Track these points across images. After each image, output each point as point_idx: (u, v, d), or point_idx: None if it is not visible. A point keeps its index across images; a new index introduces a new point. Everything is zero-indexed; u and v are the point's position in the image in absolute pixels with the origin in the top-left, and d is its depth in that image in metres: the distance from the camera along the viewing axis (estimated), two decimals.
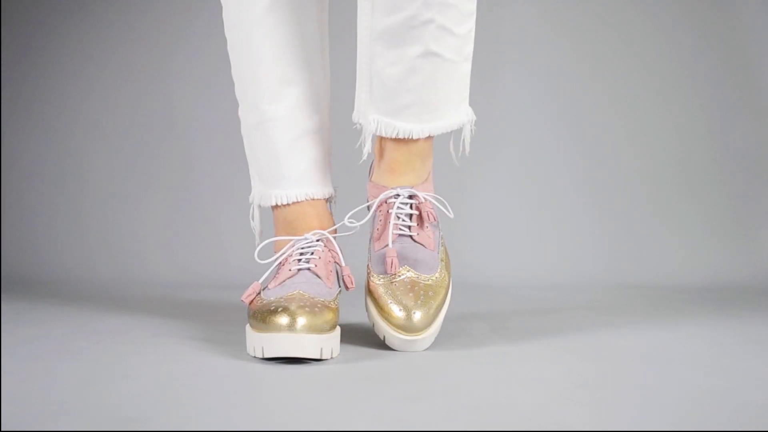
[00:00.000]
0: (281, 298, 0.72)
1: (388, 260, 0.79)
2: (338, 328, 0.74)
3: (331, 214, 0.89)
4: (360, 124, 0.84)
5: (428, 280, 0.80)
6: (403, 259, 0.81)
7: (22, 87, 1.83)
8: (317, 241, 0.81)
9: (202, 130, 1.78)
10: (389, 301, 0.77)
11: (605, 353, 0.77)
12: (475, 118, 0.88)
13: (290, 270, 0.77)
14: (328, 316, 0.71)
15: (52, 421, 0.49)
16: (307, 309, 0.69)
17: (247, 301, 0.76)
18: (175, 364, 0.69)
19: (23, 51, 1.84)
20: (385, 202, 0.83)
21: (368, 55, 0.82)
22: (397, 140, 0.83)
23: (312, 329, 0.68)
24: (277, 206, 0.86)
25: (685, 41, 1.76)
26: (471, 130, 0.89)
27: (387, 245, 0.81)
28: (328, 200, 0.90)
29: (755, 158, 1.72)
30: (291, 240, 0.81)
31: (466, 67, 0.86)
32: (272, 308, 0.70)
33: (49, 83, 1.83)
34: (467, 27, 0.84)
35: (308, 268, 0.78)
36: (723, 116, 1.73)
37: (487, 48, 1.87)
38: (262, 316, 0.70)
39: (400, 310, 0.76)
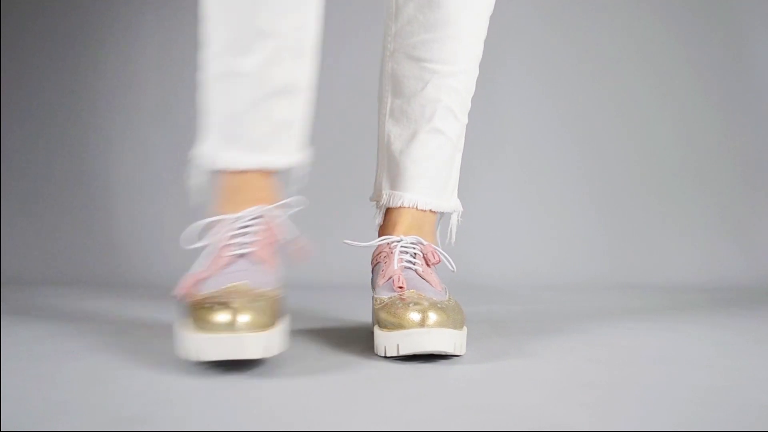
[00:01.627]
0: (217, 291, 0.65)
1: (396, 277, 0.77)
2: (285, 318, 0.70)
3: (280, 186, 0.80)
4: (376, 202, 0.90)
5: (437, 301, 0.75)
6: (410, 286, 0.77)
7: (22, 87, 1.83)
8: (255, 219, 0.71)
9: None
10: (401, 307, 0.71)
11: (605, 353, 0.77)
12: (462, 210, 0.93)
13: (224, 257, 0.69)
14: (273, 308, 0.65)
15: (52, 421, 0.49)
16: (247, 303, 0.62)
17: (180, 296, 0.67)
18: (175, 364, 0.69)
19: (23, 51, 1.84)
20: (388, 245, 0.83)
21: (385, 135, 0.89)
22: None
23: (255, 326, 0.62)
24: (222, 172, 0.74)
25: (685, 42, 1.76)
26: (458, 221, 0.94)
27: (393, 268, 0.80)
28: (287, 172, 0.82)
29: (755, 159, 1.72)
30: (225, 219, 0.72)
31: (459, 159, 0.92)
32: (207, 305, 0.62)
33: (49, 83, 1.83)
34: (465, 119, 0.91)
35: (244, 254, 0.70)
36: (723, 116, 1.73)
37: (488, 48, 1.87)
38: (199, 314, 0.62)
39: (417, 311, 0.70)
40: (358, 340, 0.83)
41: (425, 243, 0.84)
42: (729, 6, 1.75)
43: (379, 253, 0.84)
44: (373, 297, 0.81)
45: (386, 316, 0.71)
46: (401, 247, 0.81)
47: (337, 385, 0.61)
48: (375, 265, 0.85)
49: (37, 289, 1.42)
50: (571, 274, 1.60)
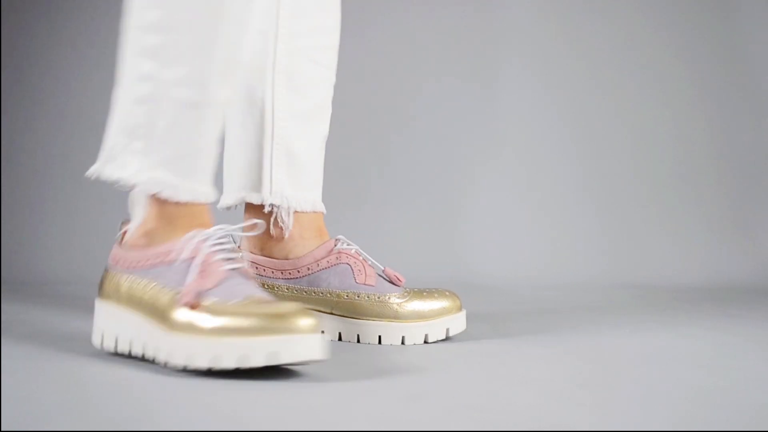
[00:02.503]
0: (245, 300, 0.64)
1: (393, 274, 0.85)
2: None
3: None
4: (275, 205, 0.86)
5: None
6: None
7: (22, 87, 1.83)
8: (222, 237, 0.70)
9: None
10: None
11: (605, 353, 0.77)
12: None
13: (219, 271, 0.66)
14: None
15: (52, 421, 0.49)
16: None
17: (191, 304, 0.64)
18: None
19: (23, 51, 1.84)
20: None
21: (284, 135, 0.88)
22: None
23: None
24: (167, 201, 0.71)
25: (684, 42, 1.76)
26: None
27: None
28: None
29: (755, 158, 1.72)
30: (188, 235, 0.68)
31: None
32: (283, 309, 0.62)
33: (49, 83, 1.82)
34: None
35: (236, 268, 0.68)
36: (723, 116, 1.73)
37: (488, 48, 1.87)
38: (276, 317, 0.61)
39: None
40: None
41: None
42: (729, 8, 1.75)
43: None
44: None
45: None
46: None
47: (337, 385, 0.61)
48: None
49: (37, 289, 1.42)
50: (571, 274, 1.60)
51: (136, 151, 0.70)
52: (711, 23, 1.75)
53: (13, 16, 1.84)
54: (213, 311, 0.63)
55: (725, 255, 1.63)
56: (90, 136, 1.82)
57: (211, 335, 0.62)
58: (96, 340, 0.72)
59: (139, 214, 0.70)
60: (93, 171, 0.73)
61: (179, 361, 0.63)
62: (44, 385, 0.59)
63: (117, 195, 1.85)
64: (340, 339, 0.83)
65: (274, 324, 0.61)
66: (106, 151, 0.73)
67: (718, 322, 1.01)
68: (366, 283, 0.82)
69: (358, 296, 0.82)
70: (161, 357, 0.65)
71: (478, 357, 0.75)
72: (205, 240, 0.67)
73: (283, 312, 0.61)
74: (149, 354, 0.66)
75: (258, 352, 0.60)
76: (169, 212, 0.71)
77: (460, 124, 1.75)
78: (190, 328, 0.63)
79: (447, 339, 0.84)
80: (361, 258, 0.84)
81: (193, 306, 0.63)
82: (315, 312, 0.68)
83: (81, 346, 0.79)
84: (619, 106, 1.75)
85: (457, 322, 0.85)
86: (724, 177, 1.71)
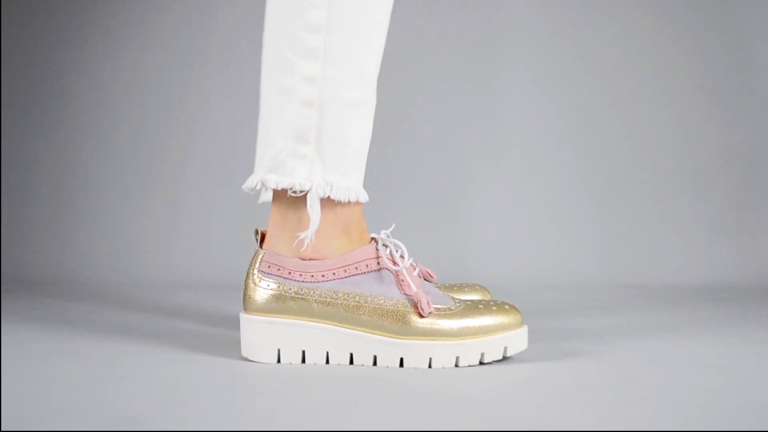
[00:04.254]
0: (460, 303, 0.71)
1: (424, 271, 0.83)
2: None
3: None
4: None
5: None
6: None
7: (22, 87, 1.83)
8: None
9: (201, 130, 1.78)
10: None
11: (605, 353, 0.77)
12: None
13: (415, 275, 0.71)
14: None
15: (52, 421, 0.49)
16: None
17: (431, 313, 0.69)
18: (175, 364, 0.69)
19: (23, 51, 1.84)
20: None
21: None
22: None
23: None
24: (339, 203, 0.71)
25: (685, 42, 1.76)
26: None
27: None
28: None
29: (756, 158, 1.72)
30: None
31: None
32: (497, 305, 0.71)
33: (49, 83, 1.82)
34: None
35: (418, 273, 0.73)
36: (723, 116, 1.73)
37: (488, 49, 1.87)
38: (502, 314, 0.70)
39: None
40: None
41: None
42: (729, 9, 1.75)
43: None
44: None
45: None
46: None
47: (337, 385, 0.61)
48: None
49: (37, 289, 1.42)
50: (571, 274, 1.60)
51: (304, 155, 0.69)
52: (712, 23, 1.75)
53: (14, 16, 1.84)
54: (448, 316, 0.69)
55: (725, 255, 1.63)
56: (90, 136, 1.82)
57: (455, 338, 0.68)
58: (267, 358, 0.69)
59: (315, 220, 0.68)
60: (256, 181, 0.70)
61: (422, 364, 0.68)
62: (44, 385, 0.59)
63: (116, 195, 1.86)
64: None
65: (497, 321, 0.69)
66: (268, 159, 0.69)
67: (718, 321, 1.01)
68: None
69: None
70: (392, 360, 0.68)
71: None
72: (387, 246, 0.71)
73: (505, 310, 0.70)
74: (363, 361, 0.69)
75: (496, 349, 0.69)
76: (341, 215, 0.71)
77: (460, 125, 1.75)
78: (434, 333, 0.68)
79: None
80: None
81: (432, 314, 0.69)
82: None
83: (81, 346, 0.79)
84: (620, 106, 1.75)
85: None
86: (725, 177, 1.71)
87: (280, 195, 0.71)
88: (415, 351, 0.68)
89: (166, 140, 1.79)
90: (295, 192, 0.69)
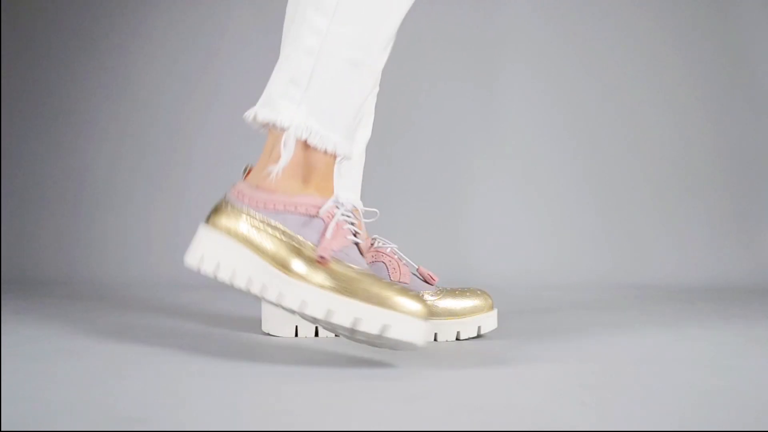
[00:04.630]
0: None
1: (426, 273, 0.87)
2: None
3: None
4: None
5: None
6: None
7: (22, 87, 1.83)
8: (350, 210, 0.74)
9: (202, 131, 1.78)
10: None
11: (605, 353, 0.77)
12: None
13: (347, 239, 0.71)
14: None
15: (52, 421, 0.49)
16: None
17: (324, 261, 0.68)
18: (175, 364, 0.69)
19: (23, 51, 1.84)
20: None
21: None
22: None
23: None
24: (313, 150, 0.73)
25: (684, 42, 1.76)
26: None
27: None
28: None
29: (755, 158, 1.72)
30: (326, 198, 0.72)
31: None
32: (404, 289, 0.68)
33: (50, 83, 1.82)
34: None
35: (357, 243, 0.72)
36: (723, 116, 1.73)
37: (488, 49, 1.87)
38: (398, 293, 0.67)
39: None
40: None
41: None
42: (729, 9, 1.75)
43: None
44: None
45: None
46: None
47: (337, 385, 0.61)
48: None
49: (37, 289, 1.42)
50: (571, 274, 1.60)
51: (292, 97, 0.72)
52: (712, 24, 1.75)
53: (14, 16, 1.84)
54: (337, 271, 0.67)
55: (725, 255, 1.63)
56: (92, 136, 1.82)
57: (333, 292, 0.66)
58: (192, 261, 0.71)
59: (285, 157, 0.71)
60: (250, 113, 0.74)
61: (292, 305, 0.67)
62: (44, 385, 0.59)
63: (117, 195, 1.86)
64: None
65: (393, 300, 0.65)
66: (264, 95, 0.74)
67: (718, 322, 1.01)
68: (400, 281, 0.84)
69: None
70: (270, 296, 0.68)
71: (478, 357, 0.75)
72: (339, 206, 0.72)
73: (404, 292, 0.66)
74: (255, 289, 0.68)
75: (373, 321, 0.65)
76: (310, 160, 0.73)
77: (461, 125, 1.75)
78: (313, 278, 0.67)
79: (479, 336, 0.86)
80: (396, 257, 0.86)
81: (324, 263, 0.67)
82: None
83: (81, 346, 0.79)
84: (620, 106, 1.75)
85: (489, 321, 0.87)
86: (725, 177, 1.71)
87: (271, 131, 0.74)
88: (291, 291, 0.67)
89: (168, 140, 1.79)
90: (275, 127, 0.72)
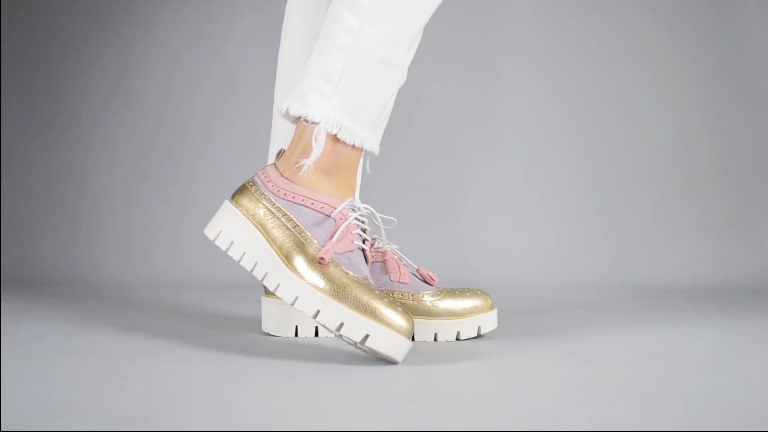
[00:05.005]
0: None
1: (426, 273, 0.87)
2: None
3: None
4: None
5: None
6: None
7: (22, 87, 1.83)
8: (364, 216, 0.77)
9: (202, 131, 1.78)
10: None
11: (605, 353, 0.77)
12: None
13: (353, 243, 0.73)
14: None
15: (52, 421, 0.49)
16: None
17: (324, 262, 0.71)
18: (175, 364, 0.69)
19: (23, 51, 1.84)
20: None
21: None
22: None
23: None
24: (341, 143, 0.75)
25: (684, 42, 1.76)
26: None
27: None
28: None
29: (755, 158, 1.72)
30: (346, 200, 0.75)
31: None
32: (392, 304, 0.70)
33: (49, 83, 1.82)
34: None
35: (363, 249, 0.75)
36: (723, 117, 1.73)
37: (488, 49, 1.87)
38: (385, 306, 0.69)
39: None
40: None
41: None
42: (728, 9, 1.75)
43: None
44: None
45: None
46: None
47: (337, 385, 0.61)
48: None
49: (37, 289, 1.42)
50: (571, 274, 1.60)
51: (324, 92, 0.75)
52: (710, 24, 1.75)
53: (14, 16, 1.84)
54: (333, 274, 0.69)
55: (725, 255, 1.63)
56: (93, 136, 1.82)
57: (324, 294, 0.69)
58: (211, 233, 0.75)
59: (317, 151, 0.73)
60: (282, 106, 0.76)
61: (287, 297, 0.69)
62: (44, 385, 0.59)
63: (117, 195, 1.86)
64: None
65: (380, 311, 0.67)
66: (296, 90, 0.76)
67: (718, 322, 1.01)
68: (400, 281, 0.85)
69: (392, 294, 0.83)
70: (269, 284, 0.71)
71: (478, 357, 0.75)
72: (353, 210, 0.74)
73: (392, 305, 0.68)
74: (258, 274, 0.71)
75: (357, 328, 0.67)
76: (336, 155, 0.75)
77: (460, 125, 1.75)
78: (309, 277, 0.69)
79: (479, 336, 0.87)
80: (396, 257, 0.86)
81: (323, 264, 0.70)
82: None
83: (81, 346, 0.79)
84: (620, 106, 1.75)
85: (489, 321, 0.87)
86: (724, 177, 1.71)
87: (300, 124, 0.76)
88: (288, 284, 0.69)
89: (169, 140, 1.79)
90: (307, 121, 0.74)
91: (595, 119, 1.75)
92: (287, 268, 0.70)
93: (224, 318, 1.02)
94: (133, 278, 1.60)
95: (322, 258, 0.69)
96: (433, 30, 1.78)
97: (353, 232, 0.73)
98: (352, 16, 0.75)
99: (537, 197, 1.72)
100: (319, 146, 0.73)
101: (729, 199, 1.70)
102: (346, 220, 0.73)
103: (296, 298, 0.69)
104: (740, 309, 1.15)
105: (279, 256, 0.71)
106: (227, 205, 0.76)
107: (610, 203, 1.71)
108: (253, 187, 0.75)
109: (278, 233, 0.72)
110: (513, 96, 1.76)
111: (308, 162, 0.74)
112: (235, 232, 0.73)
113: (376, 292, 0.70)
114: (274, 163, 0.77)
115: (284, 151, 0.78)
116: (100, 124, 1.81)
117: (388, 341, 0.67)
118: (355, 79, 0.75)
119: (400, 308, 0.68)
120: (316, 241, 0.71)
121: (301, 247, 0.71)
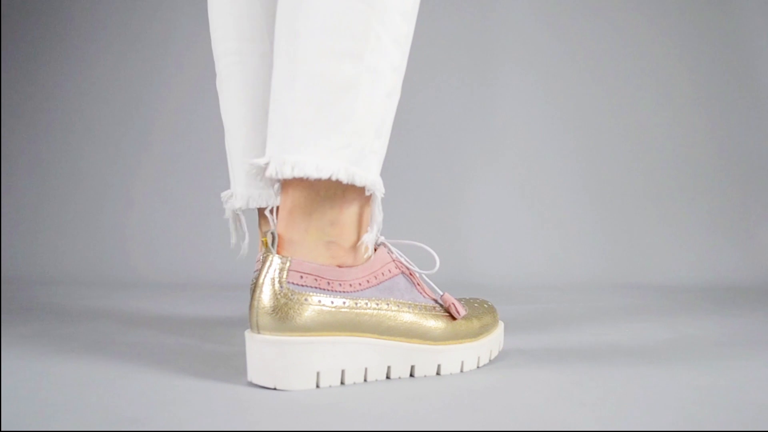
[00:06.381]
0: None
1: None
2: None
3: None
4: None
5: None
6: None
7: (22, 87, 1.83)
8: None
9: (202, 131, 1.78)
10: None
11: (605, 353, 0.77)
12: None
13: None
14: None
15: (52, 421, 0.49)
16: None
17: (465, 314, 0.67)
18: (175, 364, 0.69)
19: (23, 51, 1.84)
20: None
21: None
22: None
23: None
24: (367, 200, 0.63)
25: (684, 42, 1.76)
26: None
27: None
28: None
29: (755, 159, 1.72)
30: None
31: None
32: (478, 302, 0.72)
33: (49, 83, 1.82)
34: None
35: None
36: (723, 117, 1.73)
37: (487, 49, 1.87)
38: (490, 317, 0.71)
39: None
40: None
41: None
42: (728, 9, 1.75)
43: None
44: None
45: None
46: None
47: (337, 385, 0.61)
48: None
49: (37, 289, 1.42)
50: (571, 274, 1.60)
51: (375, 150, 0.61)
52: (711, 24, 1.75)
53: (14, 16, 1.84)
54: (467, 317, 0.68)
55: (725, 255, 1.63)
56: (92, 137, 1.82)
57: (477, 338, 0.68)
58: (305, 384, 0.58)
59: (380, 220, 0.62)
60: (348, 174, 0.58)
61: (454, 369, 0.66)
62: (44, 385, 0.59)
63: (117, 196, 1.86)
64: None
65: (494, 316, 0.71)
66: (357, 151, 0.59)
67: (718, 322, 1.01)
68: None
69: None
70: (426, 370, 0.64)
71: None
72: (395, 252, 0.66)
73: (492, 311, 0.72)
74: (401, 373, 0.63)
75: (494, 347, 0.70)
76: (366, 214, 0.63)
77: (460, 125, 1.75)
78: (468, 335, 0.67)
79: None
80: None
81: (465, 314, 0.68)
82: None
83: (81, 346, 0.79)
84: (619, 107, 1.75)
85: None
86: (724, 177, 1.71)
87: (305, 192, 0.59)
88: (450, 356, 0.65)
89: (169, 141, 1.79)
90: (365, 188, 0.60)
91: (594, 119, 1.75)
92: (437, 346, 0.64)
93: (224, 318, 1.02)
94: (132, 278, 1.60)
95: (467, 313, 0.67)
96: (433, 30, 1.79)
97: (386, 263, 0.63)
98: (397, 51, 0.60)
99: (537, 198, 1.72)
100: (381, 215, 0.61)
101: (729, 199, 1.70)
102: (401, 268, 0.64)
103: (462, 362, 0.66)
104: (740, 309, 1.15)
105: (414, 341, 0.63)
106: (303, 343, 0.57)
107: (610, 203, 1.71)
108: (325, 299, 0.58)
109: (397, 325, 0.61)
110: (513, 96, 1.76)
111: (371, 237, 0.61)
112: (339, 358, 0.59)
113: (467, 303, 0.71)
114: (294, 259, 0.58)
115: (277, 236, 0.59)
116: (100, 124, 1.81)
117: (500, 333, 0.72)
118: (386, 125, 0.61)
119: (477, 301, 0.71)
120: (422, 303, 0.64)
121: (437, 316, 0.65)
